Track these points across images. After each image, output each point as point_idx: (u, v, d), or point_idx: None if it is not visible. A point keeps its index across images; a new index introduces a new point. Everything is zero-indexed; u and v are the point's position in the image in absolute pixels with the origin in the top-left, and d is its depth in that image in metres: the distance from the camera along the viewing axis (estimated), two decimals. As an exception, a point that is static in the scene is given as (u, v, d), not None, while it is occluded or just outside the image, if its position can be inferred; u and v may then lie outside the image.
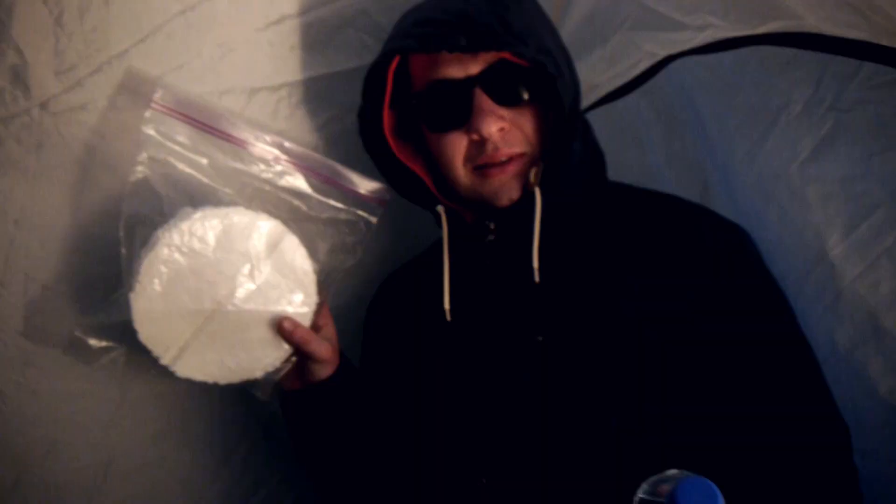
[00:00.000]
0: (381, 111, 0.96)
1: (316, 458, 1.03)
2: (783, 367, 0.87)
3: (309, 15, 0.99)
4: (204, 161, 0.90)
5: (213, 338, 0.88)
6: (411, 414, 0.97)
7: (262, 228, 0.89)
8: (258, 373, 0.92)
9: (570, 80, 0.93)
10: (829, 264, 0.96)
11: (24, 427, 0.94)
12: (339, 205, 0.95)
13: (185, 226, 0.85)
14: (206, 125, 0.90)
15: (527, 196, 0.92)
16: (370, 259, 1.01)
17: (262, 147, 0.92)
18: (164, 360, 0.88)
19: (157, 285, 0.85)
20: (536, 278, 0.91)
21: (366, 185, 0.95)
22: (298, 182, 0.94)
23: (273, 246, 0.89)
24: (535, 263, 0.90)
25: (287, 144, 0.93)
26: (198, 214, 0.86)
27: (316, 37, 1.01)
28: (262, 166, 0.93)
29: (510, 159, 0.91)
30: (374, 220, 0.95)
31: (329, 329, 0.95)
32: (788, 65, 0.97)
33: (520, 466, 0.88)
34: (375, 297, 1.10)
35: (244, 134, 0.92)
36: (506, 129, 0.91)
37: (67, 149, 0.88)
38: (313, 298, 0.92)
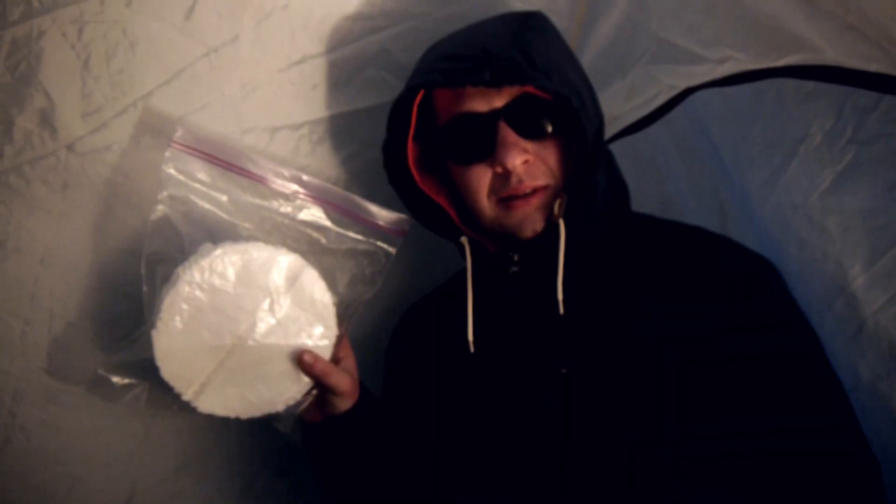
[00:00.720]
0: (406, 144, 0.96)
1: (338, 488, 1.03)
2: (804, 384, 0.85)
3: (331, 54, 1.00)
4: (223, 198, 0.91)
5: (234, 373, 0.88)
6: (433, 445, 0.97)
7: (282, 263, 0.89)
8: (279, 406, 0.92)
9: (593, 112, 0.93)
10: (851, 296, 0.95)
11: (48, 463, 0.94)
12: (358, 236, 0.95)
13: (205, 262, 0.85)
14: (225, 162, 0.91)
15: (551, 228, 0.92)
16: (389, 290, 1.01)
17: (281, 182, 0.93)
18: (186, 396, 0.88)
19: (178, 322, 0.85)
20: (561, 310, 0.91)
21: (384, 217, 0.96)
22: (317, 215, 0.94)
23: (292, 280, 0.89)
24: (560, 295, 0.91)
25: (305, 178, 0.94)
26: (217, 251, 0.86)
27: (338, 76, 1.01)
28: (281, 200, 0.93)
29: (534, 191, 0.92)
30: (392, 250, 0.95)
31: (349, 361, 0.95)
32: (808, 97, 0.97)
33: (539, 495, 0.88)
34: (398, 328, 1.11)
35: (262, 170, 0.92)
36: (530, 162, 0.91)
37: (93, 189, 0.89)
38: (333, 331, 0.92)
